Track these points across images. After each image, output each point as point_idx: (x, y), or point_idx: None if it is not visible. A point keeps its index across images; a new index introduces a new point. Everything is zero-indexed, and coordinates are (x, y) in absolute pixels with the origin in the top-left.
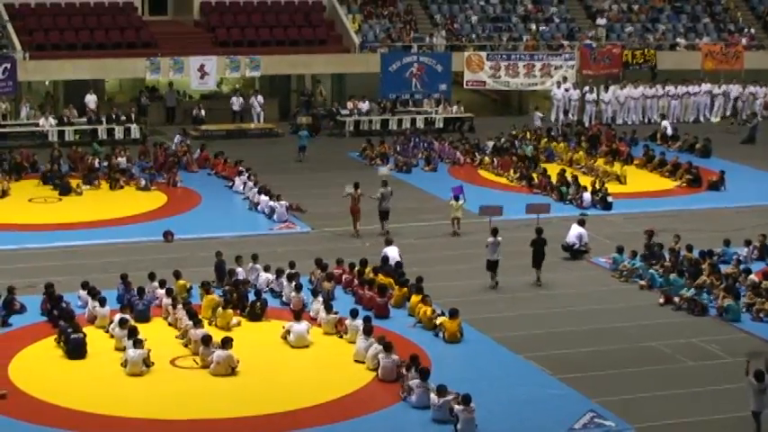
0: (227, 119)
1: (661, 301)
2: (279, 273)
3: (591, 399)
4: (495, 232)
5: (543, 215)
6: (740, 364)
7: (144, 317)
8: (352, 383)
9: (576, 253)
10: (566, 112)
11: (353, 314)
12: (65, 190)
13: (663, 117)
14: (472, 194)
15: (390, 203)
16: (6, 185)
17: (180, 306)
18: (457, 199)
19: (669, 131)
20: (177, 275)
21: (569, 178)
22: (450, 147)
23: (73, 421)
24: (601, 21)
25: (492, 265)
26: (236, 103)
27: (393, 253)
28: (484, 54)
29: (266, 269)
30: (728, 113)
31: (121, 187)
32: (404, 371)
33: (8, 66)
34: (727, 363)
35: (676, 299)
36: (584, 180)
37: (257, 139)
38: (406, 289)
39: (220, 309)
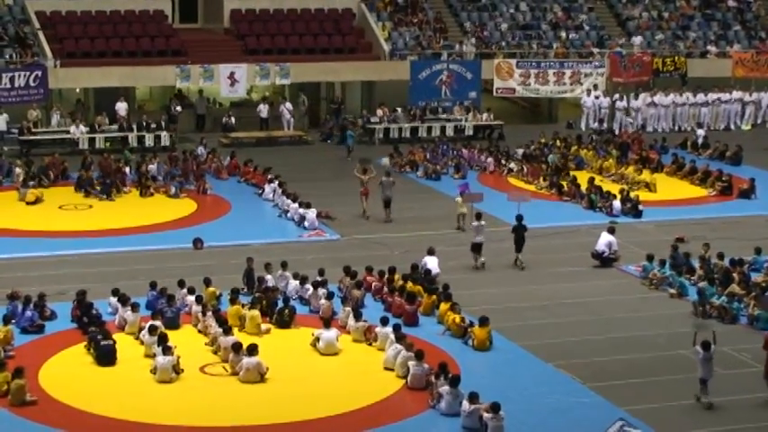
0: (257, 126)
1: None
2: (303, 280)
3: (620, 407)
4: (479, 217)
5: (524, 202)
6: None
7: (173, 324)
8: (381, 391)
9: (605, 261)
10: (600, 121)
11: (384, 321)
12: (106, 190)
13: (699, 126)
14: (500, 202)
15: (391, 193)
16: (39, 192)
17: (209, 313)
18: (463, 199)
19: (700, 140)
20: (207, 282)
21: (595, 186)
22: (479, 154)
23: (102, 428)
24: (636, 39)
25: (476, 247)
26: (264, 110)
27: (432, 264)
28: (513, 62)
29: (295, 277)
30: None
31: (151, 194)
32: (433, 378)
33: (39, 73)
34: (758, 371)
35: (707, 307)
36: (614, 188)
37: (287, 146)
38: (435, 297)
39: (248, 312)
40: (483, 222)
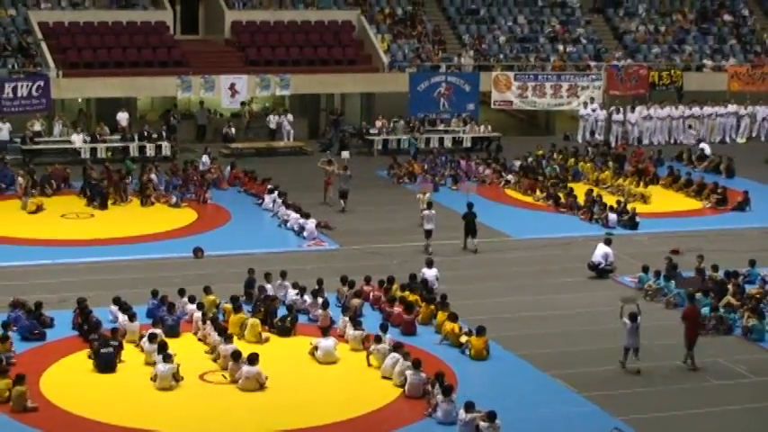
0: (256, 137)
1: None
2: (302, 289)
3: (616, 417)
4: (429, 206)
5: (472, 193)
6: (766, 384)
7: (174, 332)
8: (378, 400)
9: (601, 272)
10: (592, 133)
11: (384, 329)
12: (103, 203)
13: (699, 141)
14: (498, 213)
15: (348, 185)
16: (41, 201)
17: (209, 322)
18: (424, 193)
19: (707, 152)
20: (207, 291)
21: (594, 198)
22: (477, 166)
23: None
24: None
25: (428, 234)
26: (273, 121)
27: (431, 276)
28: (511, 74)
29: (295, 286)
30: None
31: (152, 204)
32: (429, 387)
33: (42, 83)
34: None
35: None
36: (610, 199)
37: (287, 157)
38: (432, 306)
39: (249, 320)
40: (433, 211)
